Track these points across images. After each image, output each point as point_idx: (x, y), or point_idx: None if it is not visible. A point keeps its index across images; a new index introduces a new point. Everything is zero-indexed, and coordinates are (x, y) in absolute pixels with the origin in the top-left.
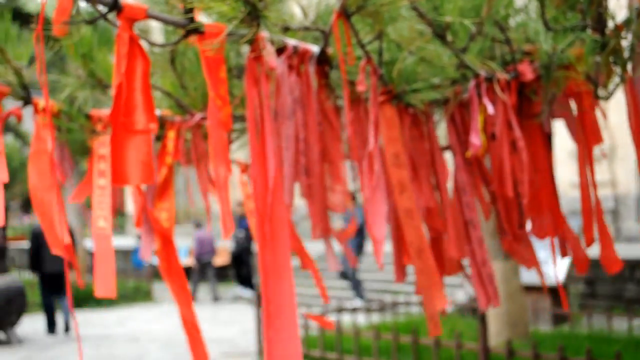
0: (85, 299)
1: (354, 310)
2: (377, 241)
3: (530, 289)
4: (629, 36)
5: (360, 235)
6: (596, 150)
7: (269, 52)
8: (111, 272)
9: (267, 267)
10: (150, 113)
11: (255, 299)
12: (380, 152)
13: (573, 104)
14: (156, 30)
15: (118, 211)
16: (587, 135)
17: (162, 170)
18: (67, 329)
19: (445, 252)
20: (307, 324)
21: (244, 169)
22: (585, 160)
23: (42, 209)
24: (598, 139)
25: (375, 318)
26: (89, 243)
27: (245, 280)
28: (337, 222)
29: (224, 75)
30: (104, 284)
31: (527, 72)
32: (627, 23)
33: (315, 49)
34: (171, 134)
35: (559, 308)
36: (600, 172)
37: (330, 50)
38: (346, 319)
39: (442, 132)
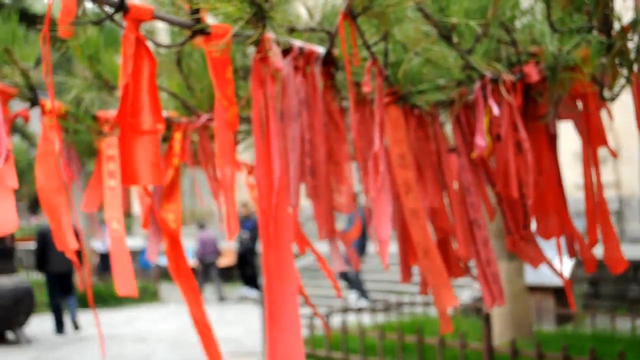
0: (93, 299)
1: (359, 310)
2: (382, 242)
3: (534, 289)
4: (635, 38)
5: (362, 236)
6: (602, 152)
7: (274, 53)
8: (129, 272)
9: (270, 268)
10: (157, 114)
11: (261, 299)
12: (385, 153)
13: (580, 106)
14: (162, 32)
15: (125, 212)
16: (592, 137)
17: (169, 172)
18: (75, 327)
19: (451, 254)
20: (312, 324)
21: (251, 170)
22: (590, 161)
23: (50, 210)
24: (603, 140)
25: (380, 318)
26: (95, 244)
27: (251, 280)
28: (339, 224)
29: (230, 76)
30: (125, 284)
31: (533, 73)
32: (633, 25)
33: (321, 50)
34: (178, 135)
35: (562, 308)
36: (605, 174)
37: (336, 52)
38: (351, 319)
39: (447, 133)
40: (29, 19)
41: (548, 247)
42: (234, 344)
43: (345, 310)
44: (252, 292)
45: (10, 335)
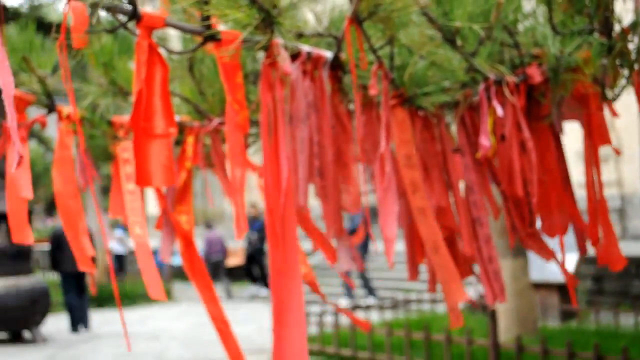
0: (107, 299)
1: (368, 307)
2: (389, 241)
3: (538, 286)
4: (636, 39)
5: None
6: (604, 151)
7: (283, 58)
8: (157, 277)
9: (277, 266)
10: (170, 118)
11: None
12: (391, 155)
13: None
14: (175, 38)
15: None
16: (593, 137)
17: (181, 174)
18: (85, 326)
19: (457, 253)
20: (322, 322)
21: (262, 172)
22: (592, 160)
23: (66, 215)
24: (606, 139)
25: (388, 315)
26: (110, 244)
27: (261, 279)
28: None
29: (241, 80)
30: (155, 289)
31: (536, 75)
32: (633, 26)
33: (328, 54)
34: (190, 139)
35: (567, 304)
36: (607, 172)
37: (343, 56)
38: (360, 316)
39: (452, 134)
40: (45, 28)
41: (552, 245)
42: (245, 341)
43: (354, 307)
44: (263, 291)
45: (27, 334)
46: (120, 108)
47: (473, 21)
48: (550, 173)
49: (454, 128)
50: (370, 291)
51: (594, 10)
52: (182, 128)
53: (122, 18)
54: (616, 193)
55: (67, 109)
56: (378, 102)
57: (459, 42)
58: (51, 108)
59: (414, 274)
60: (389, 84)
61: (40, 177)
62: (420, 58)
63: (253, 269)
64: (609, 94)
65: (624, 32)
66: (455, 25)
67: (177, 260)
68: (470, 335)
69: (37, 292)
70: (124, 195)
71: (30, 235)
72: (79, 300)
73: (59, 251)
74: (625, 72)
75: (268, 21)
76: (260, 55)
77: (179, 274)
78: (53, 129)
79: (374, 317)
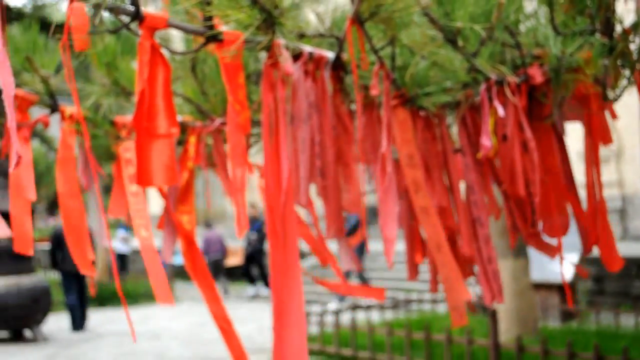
0: (108, 298)
1: (368, 307)
2: (389, 241)
3: (539, 286)
4: (637, 40)
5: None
6: (605, 152)
7: (285, 59)
8: (165, 280)
9: (277, 265)
10: (172, 118)
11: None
12: (392, 155)
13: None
14: (178, 39)
15: None
16: (594, 137)
17: (183, 174)
18: (81, 326)
19: (458, 253)
20: (322, 321)
21: (263, 172)
22: (592, 160)
23: (68, 216)
24: (608, 139)
25: (389, 315)
26: (114, 244)
27: (262, 279)
28: None
29: (242, 80)
30: (162, 293)
31: (537, 75)
32: (635, 27)
33: (330, 55)
34: (192, 139)
35: (567, 305)
36: (608, 173)
37: (345, 56)
38: (360, 316)
39: (453, 134)
40: (49, 28)
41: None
42: (245, 340)
43: (355, 307)
44: (263, 290)
45: (28, 333)
46: (122, 108)
47: (474, 22)
48: (551, 174)
49: (455, 128)
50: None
51: (595, 11)
52: (184, 128)
53: (125, 19)
54: (617, 194)
55: (69, 108)
56: (379, 103)
57: (460, 43)
58: (54, 108)
59: (413, 273)
60: (391, 84)
61: (42, 177)
62: (421, 58)
63: (252, 269)
64: (610, 94)
65: (626, 33)
66: (456, 25)
67: (179, 260)
68: (470, 335)
69: (38, 291)
70: (128, 197)
71: (31, 246)
72: (80, 300)
73: (60, 250)
74: (627, 72)
75: (269, 22)
76: (263, 55)
77: (180, 273)
78: (56, 128)
79: (375, 317)
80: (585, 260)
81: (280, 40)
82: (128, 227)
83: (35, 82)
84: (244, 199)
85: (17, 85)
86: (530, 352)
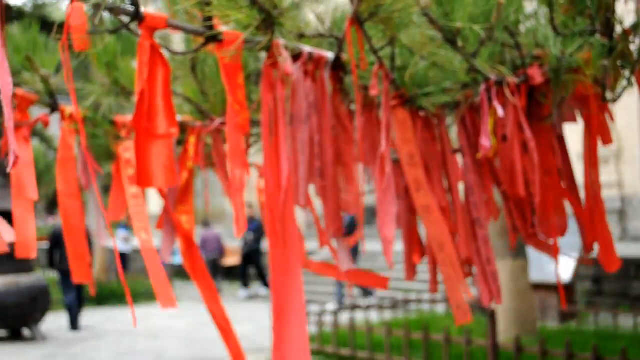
0: (107, 297)
1: (367, 307)
2: (387, 241)
3: (538, 286)
4: (637, 40)
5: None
6: (605, 152)
7: (284, 59)
8: (167, 284)
9: (277, 265)
10: (171, 118)
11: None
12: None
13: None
14: (178, 39)
15: None
16: (593, 137)
17: (183, 174)
18: (76, 326)
19: (457, 254)
20: (321, 321)
21: (263, 171)
22: (591, 161)
23: (67, 215)
24: (608, 139)
25: (388, 315)
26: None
27: (260, 279)
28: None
29: (242, 81)
30: (164, 297)
31: (537, 75)
32: (635, 28)
33: (330, 55)
34: (192, 139)
35: (566, 305)
36: (608, 174)
37: (344, 56)
38: (359, 316)
39: (452, 135)
40: (49, 27)
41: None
42: (244, 340)
43: (353, 307)
44: (262, 290)
45: (26, 332)
46: (122, 108)
47: (474, 22)
48: (549, 174)
49: (454, 129)
50: (366, 292)
51: (595, 12)
52: (184, 128)
53: (125, 19)
54: (616, 194)
55: (69, 108)
56: (379, 103)
57: (460, 43)
58: (54, 107)
59: (411, 274)
60: (390, 84)
61: (42, 176)
62: (421, 59)
63: (249, 270)
64: (610, 95)
65: (626, 34)
66: (456, 26)
67: (178, 260)
68: (469, 336)
69: (37, 290)
70: (127, 198)
71: (34, 250)
72: (76, 300)
73: (58, 250)
74: (627, 73)
75: (269, 22)
76: (263, 55)
77: (179, 272)
78: (56, 127)
79: (374, 317)
80: (590, 259)
81: (280, 41)
82: (128, 227)
83: (35, 81)
84: (242, 200)
85: (17, 85)
86: (528, 352)
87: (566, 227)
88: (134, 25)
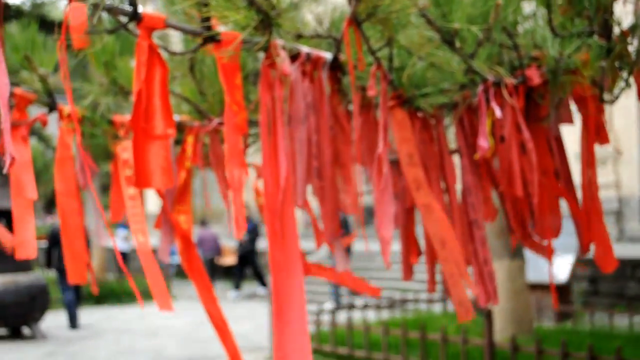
0: (106, 296)
1: (365, 307)
2: (385, 241)
3: (534, 287)
4: (635, 42)
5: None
6: (603, 153)
7: (282, 59)
8: (164, 286)
9: (277, 264)
10: (168, 119)
11: (269, 295)
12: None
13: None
14: (177, 38)
15: None
16: (591, 138)
17: (181, 174)
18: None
19: None
20: (319, 320)
21: (260, 172)
22: (588, 162)
23: (65, 215)
24: (605, 140)
25: (385, 314)
26: (109, 242)
27: (257, 279)
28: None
29: (239, 81)
30: (161, 299)
31: (535, 76)
32: (633, 29)
33: (328, 55)
34: (190, 139)
35: (562, 305)
36: (605, 174)
37: (342, 57)
38: (357, 315)
39: (450, 135)
40: (47, 25)
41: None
42: (243, 339)
43: (351, 306)
44: (261, 289)
45: (26, 330)
46: (121, 107)
47: (472, 23)
48: (546, 175)
49: (452, 129)
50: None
51: (593, 13)
52: (182, 127)
53: (123, 19)
54: (614, 195)
55: (67, 107)
56: (376, 104)
57: (457, 44)
58: (52, 107)
59: (408, 274)
60: (388, 85)
61: (40, 175)
62: (418, 59)
63: (245, 270)
64: (608, 96)
65: (624, 35)
66: (454, 26)
67: (177, 259)
68: (465, 335)
69: (36, 289)
70: (125, 200)
71: (34, 251)
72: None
73: (57, 249)
74: (624, 74)
75: (266, 23)
76: (261, 55)
77: (178, 272)
78: (54, 126)
79: (371, 316)
80: (585, 260)
81: (278, 41)
82: (128, 226)
83: (33, 80)
84: (242, 200)
85: (16, 84)
86: (524, 351)
87: (560, 228)
88: (132, 25)
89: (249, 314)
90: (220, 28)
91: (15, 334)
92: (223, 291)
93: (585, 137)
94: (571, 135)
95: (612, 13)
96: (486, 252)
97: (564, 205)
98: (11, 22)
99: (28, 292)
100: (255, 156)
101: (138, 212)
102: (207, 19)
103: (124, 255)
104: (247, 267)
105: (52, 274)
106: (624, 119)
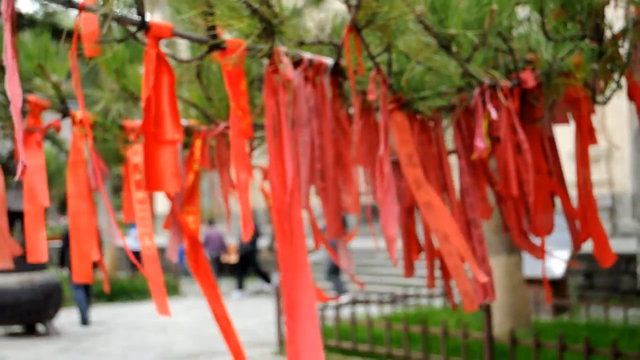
0: (117, 293)
1: (367, 302)
2: (390, 240)
3: (532, 281)
4: (626, 45)
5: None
6: (596, 152)
7: (285, 65)
8: (163, 291)
9: (286, 263)
10: (177, 124)
11: (275, 292)
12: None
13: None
14: (184, 46)
15: None
16: (584, 139)
17: (189, 176)
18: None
19: None
20: (323, 316)
21: (266, 175)
22: (582, 161)
23: (75, 218)
24: (593, 140)
25: (387, 309)
26: (120, 241)
27: (261, 277)
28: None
29: (244, 87)
30: (160, 304)
31: (529, 79)
32: (623, 32)
33: (329, 61)
34: (198, 142)
35: (559, 299)
36: (599, 172)
37: (343, 63)
38: (360, 310)
39: (448, 137)
40: (60, 34)
41: (548, 242)
42: (250, 334)
43: (354, 302)
44: (267, 286)
45: (40, 327)
46: (131, 112)
47: (468, 28)
48: (539, 174)
49: (450, 131)
50: (340, 290)
51: (585, 17)
52: (190, 132)
53: (132, 28)
54: (607, 192)
55: (80, 113)
56: (377, 107)
57: (454, 49)
58: (65, 113)
59: (410, 271)
60: (387, 89)
61: (53, 177)
62: (417, 64)
63: (247, 271)
64: (600, 97)
65: (615, 38)
66: (450, 32)
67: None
68: (465, 329)
69: (50, 287)
70: (134, 204)
71: (45, 254)
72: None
73: (69, 249)
74: (616, 76)
75: (269, 30)
76: (265, 61)
77: (187, 270)
78: (67, 131)
79: (374, 311)
80: (576, 256)
81: (281, 48)
82: None
83: (47, 87)
84: (248, 202)
85: (30, 91)
86: (523, 344)
87: (553, 226)
88: (140, 34)
89: (255, 310)
90: (225, 36)
91: (30, 331)
92: (229, 288)
93: (579, 138)
94: (564, 134)
95: (603, 17)
96: (483, 250)
97: (557, 202)
98: (24, 30)
99: (43, 291)
100: (261, 158)
101: (146, 215)
102: (213, 28)
103: (137, 254)
104: (248, 267)
105: (65, 272)
106: (616, 119)
